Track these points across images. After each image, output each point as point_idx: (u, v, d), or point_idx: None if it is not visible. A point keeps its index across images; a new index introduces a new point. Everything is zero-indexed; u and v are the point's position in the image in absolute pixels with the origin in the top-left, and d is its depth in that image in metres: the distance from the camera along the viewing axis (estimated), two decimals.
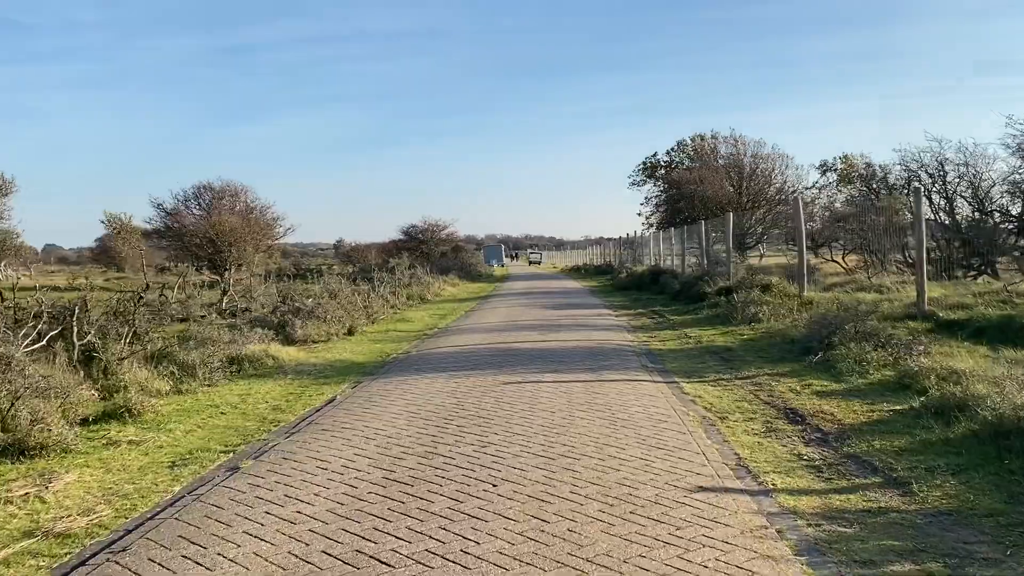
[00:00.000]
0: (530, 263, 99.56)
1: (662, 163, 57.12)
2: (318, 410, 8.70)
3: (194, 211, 49.97)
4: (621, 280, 33.42)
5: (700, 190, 45.23)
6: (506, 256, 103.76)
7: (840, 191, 44.27)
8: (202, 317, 22.77)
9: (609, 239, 62.05)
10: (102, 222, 79.14)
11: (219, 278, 28.87)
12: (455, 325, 18.24)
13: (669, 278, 26.64)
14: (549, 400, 8.66)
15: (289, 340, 15.56)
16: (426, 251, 60.44)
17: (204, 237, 29.30)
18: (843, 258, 27.91)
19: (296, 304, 17.68)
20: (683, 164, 55.15)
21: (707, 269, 24.91)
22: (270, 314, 17.50)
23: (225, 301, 24.79)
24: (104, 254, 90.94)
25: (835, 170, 49.09)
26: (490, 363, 11.54)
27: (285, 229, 55.52)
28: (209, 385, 10.54)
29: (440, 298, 29.26)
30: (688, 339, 14.07)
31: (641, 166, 57.19)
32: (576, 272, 55.84)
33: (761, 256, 40.66)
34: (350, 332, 16.71)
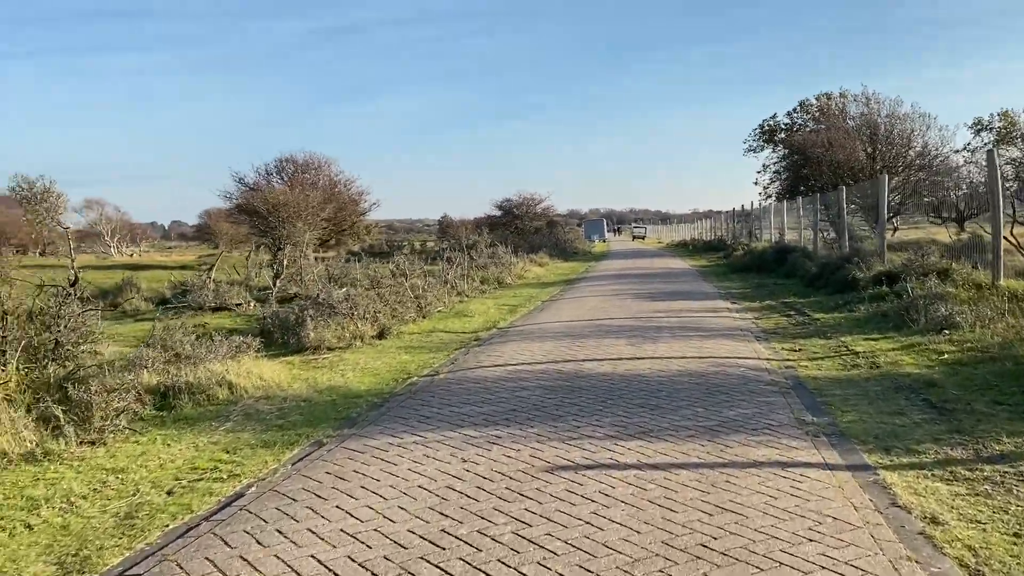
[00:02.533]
0: (634, 238, 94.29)
1: (782, 126, 50.93)
2: (182, 534, 4.61)
3: (276, 184, 47.55)
4: (737, 259, 28.33)
5: (828, 154, 39.31)
6: (608, 231, 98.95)
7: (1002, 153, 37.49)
8: (237, 305, 19.48)
9: (719, 212, 56.36)
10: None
11: (273, 257, 25.54)
12: (521, 324, 13.97)
13: (800, 258, 21.54)
14: (623, 529, 4.31)
15: (297, 346, 11.74)
16: (520, 227, 56.50)
17: (257, 211, 26.08)
18: (1011, 232, 22.22)
19: (322, 297, 13.82)
20: (807, 127, 48.92)
21: (849, 247, 19.77)
22: (307, 304, 13.73)
23: (277, 285, 21.48)
24: (206, 230, 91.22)
25: (991, 129, 41.98)
26: (540, 408, 7.23)
27: (370, 204, 52.62)
28: (93, 443, 6.68)
29: (522, 281, 25.05)
30: (854, 357, 9.34)
31: (758, 130, 51.13)
32: (683, 248, 50.56)
33: (895, 230, 34.87)
34: (381, 334, 12.72)
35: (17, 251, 64.85)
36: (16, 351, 8.43)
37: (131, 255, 72.99)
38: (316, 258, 42.35)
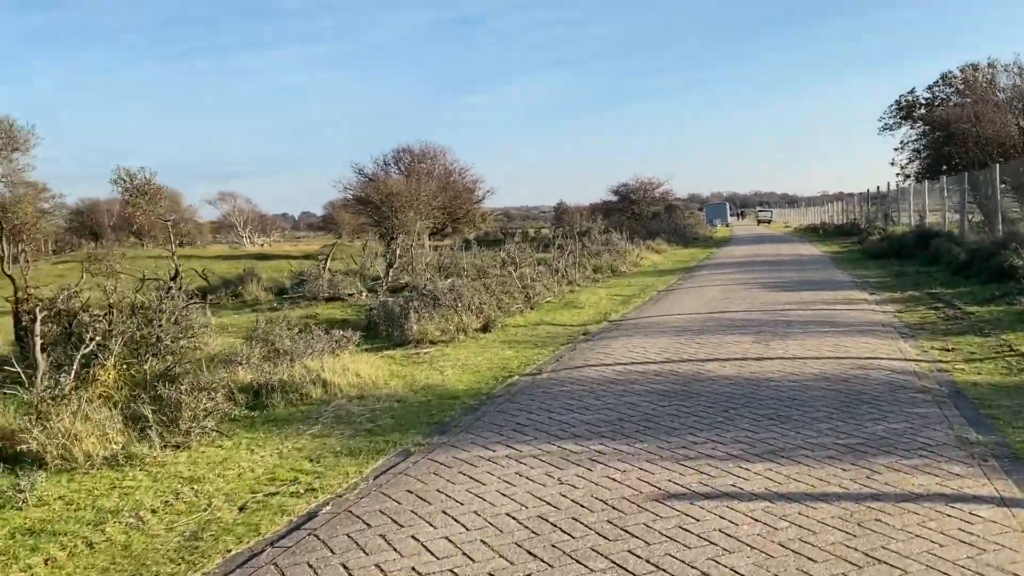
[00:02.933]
0: (759, 222, 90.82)
1: (922, 101, 47.36)
2: (242, 563, 4.12)
3: (393, 175, 48.16)
4: (872, 244, 26.31)
5: (976, 130, 36.15)
6: (731, 215, 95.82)
7: None
8: (349, 295, 19.44)
9: (851, 194, 53.18)
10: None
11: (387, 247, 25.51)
12: (634, 317, 13.11)
13: (945, 243, 19.62)
14: None
15: (400, 339, 11.35)
16: (637, 212, 55.18)
17: (370, 201, 26.14)
18: None
19: (427, 288, 13.42)
20: (949, 101, 45.29)
21: (1004, 232, 17.82)
22: (412, 296, 13.40)
23: (390, 275, 21.40)
24: (330, 221, 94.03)
25: None
26: (652, 418, 6.44)
27: (484, 192, 52.57)
28: (177, 446, 6.38)
29: (637, 269, 24.06)
30: (1021, 359, 8.06)
31: (895, 106, 47.72)
32: (812, 233, 47.95)
33: None
34: (485, 327, 12.17)
35: (138, 242, 68.39)
36: (117, 346, 8.32)
37: (261, 245, 75.95)
38: (431, 247, 42.65)
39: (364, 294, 19.49)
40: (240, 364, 8.31)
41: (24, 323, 9.14)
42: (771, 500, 4.48)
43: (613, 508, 4.45)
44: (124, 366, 8.37)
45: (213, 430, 6.69)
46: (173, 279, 9.71)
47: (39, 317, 7.56)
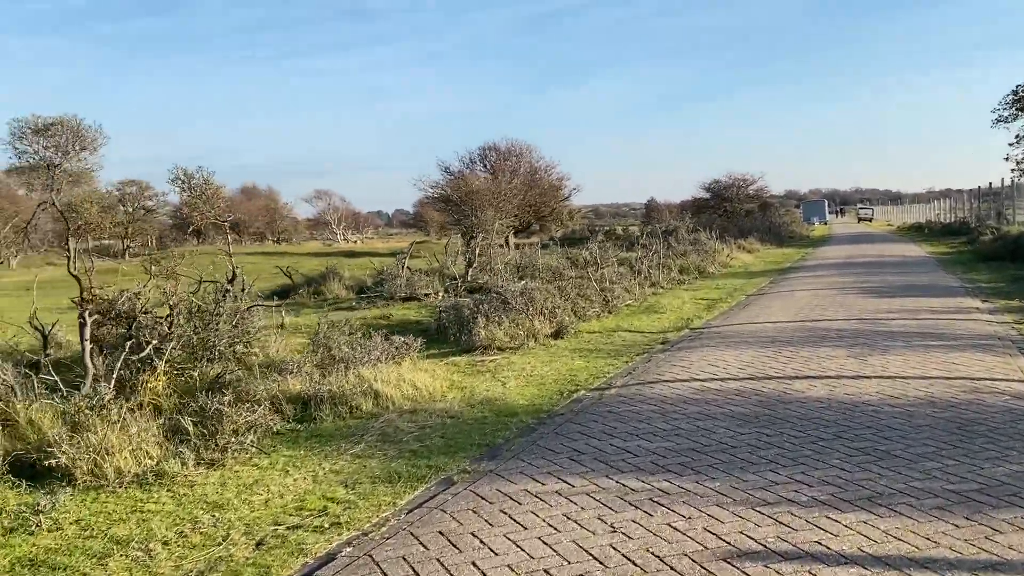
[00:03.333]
0: (859, 220, 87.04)
1: None
2: None
3: (479, 172, 48.00)
4: (985, 245, 24.41)
5: None
6: (829, 212, 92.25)
7: None
8: (425, 295, 19.11)
9: (960, 191, 50.09)
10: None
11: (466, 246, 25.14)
12: (718, 324, 12.23)
13: None
14: None
15: (468, 345, 10.84)
16: (729, 210, 53.47)
17: (451, 199, 25.84)
18: None
19: (498, 290, 12.89)
20: None
21: None
22: (482, 299, 12.90)
23: (469, 274, 21.02)
24: (419, 218, 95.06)
25: None
26: (727, 449, 5.69)
27: (571, 190, 51.87)
28: (212, 464, 5.99)
29: (726, 270, 22.95)
30: None
31: (1011, 96, 44.67)
32: (916, 232, 45.35)
33: None
34: (557, 333, 11.53)
35: (250, 238, 70.41)
36: (168, 351, 8.07)
37: (354, 242, 77.31)
38: (515, 244, 42.18)
39: (440, 294, 19.14)
40: (291, 372, 7.90)
41: (96, 321, 9.02)
42: (864, 565, 3.71)
43: (671, 568, 3.76)
44: (176, 372, 8.13)
45: (252, 446, 6.28)
46: (230, 281, 9.41)
47: (88, 322, 7.35)
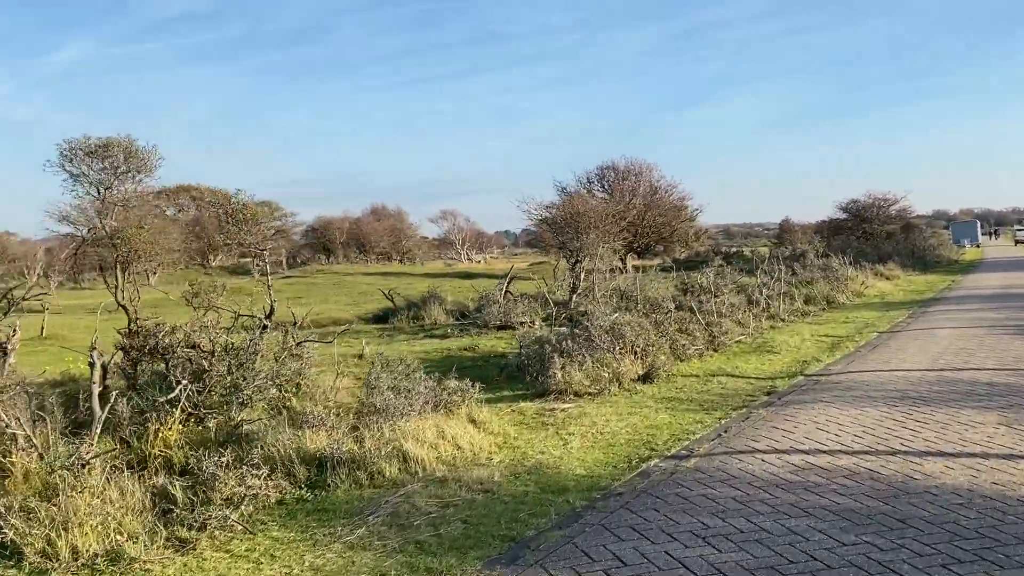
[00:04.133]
0: (1016, 242, 79.81)
1: None
2: None
3: (597, 193, 46.73)
4: None
5: None
6: (982, 234, 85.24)
7: None
8: (521, 324, 17.99)
9: None
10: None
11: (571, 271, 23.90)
12: (839, 370, 10.44)
13: None
14: None
15: (543, 387, 9.62)
16: (869, 231, 49.78)
17: (556, 223, 24.68)
18: None
19: (584, 325, 11.60)
20: None
21: None
22: (564, 335, 11.69)
23: (573, 301, 19.82)
24: (538, 239, 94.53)
25: None
26: (820, 568, 4.19)
27: (694, 210, 49.76)
28: (183, 544, 5.01)
29: (859, 300, 20.64)
30: None
31: None
32: None
33: None
34: (647, 376, 10.13)
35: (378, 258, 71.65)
36: (188, 393, 7.24)
37: (477, 262, 77.55)
38: (634, 267, 40.51)
39: (537, 323, 17.98)
40: (314, 426, 6.88)
41: (132, 356, 8.40)
42: None
43: None
44: (197, 419, 7.30)
45: (238, 523, 5.28)
46: (268, 316, 8.56)
47: (98, 364, 6.63)
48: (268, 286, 9.05)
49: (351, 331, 20.93)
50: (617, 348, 10.51)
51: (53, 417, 7.10)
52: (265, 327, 8.34)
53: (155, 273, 58.01)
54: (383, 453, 6.36)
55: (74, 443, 6.09)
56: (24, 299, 8.56)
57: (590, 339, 10.70)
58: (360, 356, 14.85)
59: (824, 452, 6.36)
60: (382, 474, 6.21)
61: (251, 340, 7.87)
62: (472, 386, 8.45)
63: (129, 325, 9.19)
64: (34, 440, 6.10)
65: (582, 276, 21.77)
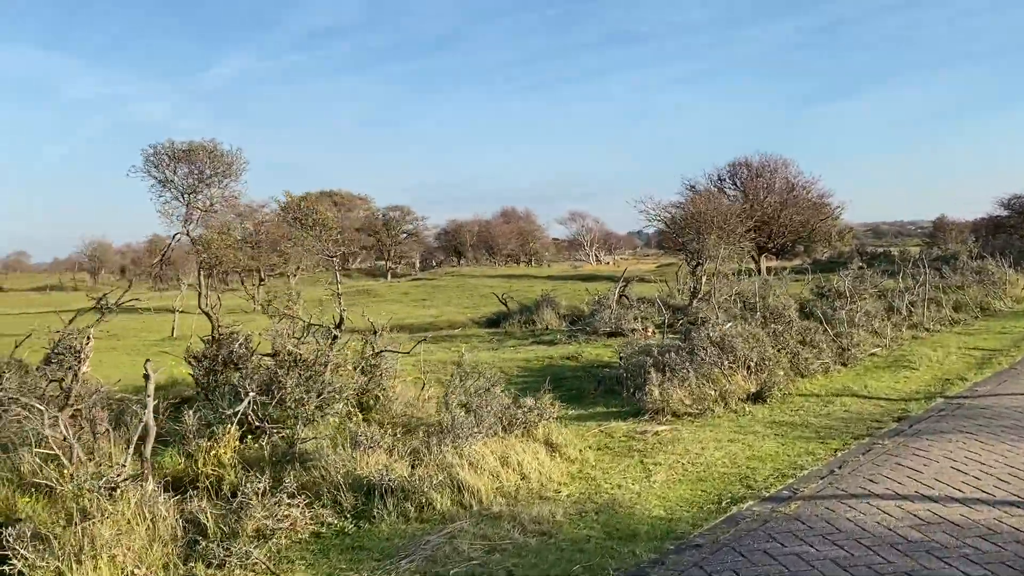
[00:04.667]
0: None
1: None
2: None
3: (728, 191, 44.75)
4: None
5: None
6: None
7: None
8: (632, 331, 17.05)
9: None
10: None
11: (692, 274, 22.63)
12: (986, 392, 8.97)
13: None
14: None
15: (638, 406, 8.79)
16: None
17: (675, 223, 23.45)
18: None
19: (693, 335, 10.64)
20: None
21: None
22: (667, 346, 10.83)
23: (693, 306, 18.72)
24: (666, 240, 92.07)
25: None
26: None
27: (836, 207, 46.77)
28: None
29: (1020, 307, 18.40)
30: None
31: None
32: None
33: None
34: (759, 394, 9.07)
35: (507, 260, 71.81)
36: (251, 405, 6.87)
37: (606, 263, 76.59)
38: (769, 269, 38.38)
39: (651, 330, 17.02)
40: (371, 448, 6.33)
41: (205, 366, 8.19)
42: None
43: None
44: (253, 437, 6.92)
45: (260, 561, 4.76)
46: (338, 326, 8.10)
47: (152, 375, 6.36)
48: (338, 294, 8.61)
49: (462, 335, 20.69)
50: (726, 362, 9.50)
51: (126, 428, 6.92)
52: (335, 337, 7.88)
53: (294, 275, 60.50)
54: (435, 482, 5.73)
55: (118, 462, 5.79)
56: (118, 304, 8.47)
57: (694, 352, 9.72)
58: (458, 364, 14.35)
59: (958, 501, 5.22)
60: (432, 506, 5.58)
61: (317, 351, 7.44)
62: (556, 403, 7.72)
63: (212, 332, 9.05)
64: (79, 455, 5.85)
65: (703, 280, 20.57)
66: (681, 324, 15.89)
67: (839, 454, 6.71)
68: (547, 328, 19.57)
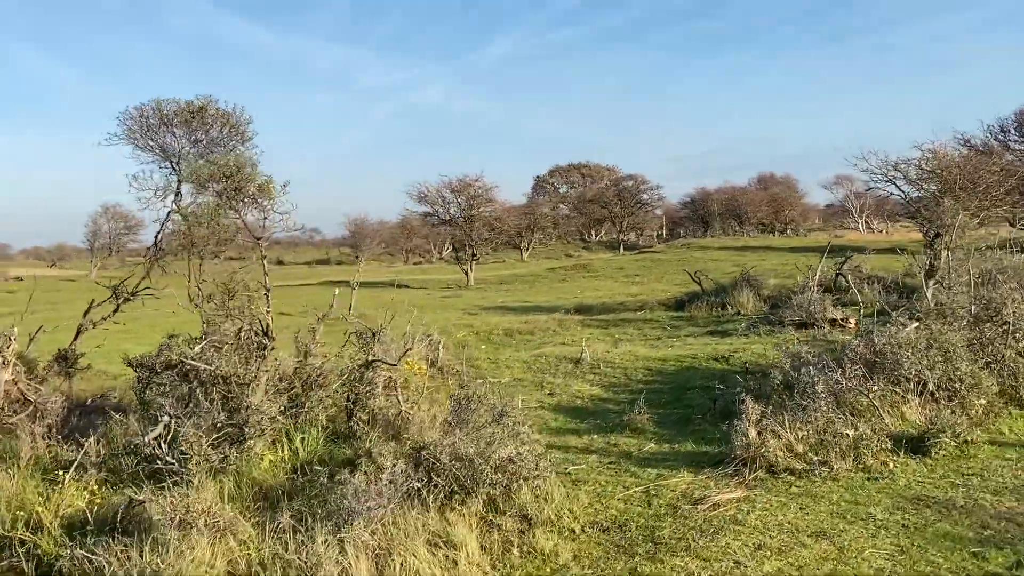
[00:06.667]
0: None
1: None
2: None
3: (1013, 144, 37.08)
4: None
5: None
6: None
7: None
8: (832, 322, 13.51)
9: None
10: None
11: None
12: None
13: None
14: None
15: (732, 450, 6.08)
16: None
17: (914, 183, 18.74)
18: None
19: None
20: None
21: None
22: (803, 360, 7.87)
23: (930, 288, 14.69)
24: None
25: None
26: None
27: None
28: None
29: None
30: None
31: None
32: None
33: None
34: (920, 441, 5.89)
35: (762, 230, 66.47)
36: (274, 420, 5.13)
37: (878, 232, 68.23)
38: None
39: (853, 321, 13.47)
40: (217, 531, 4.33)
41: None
42: None
43: None
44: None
45: None
46: (264, 334, 6.08)
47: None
48: (266, 288, 6.57)
49: (641, 318, 18.04)
50: (877, 386, 6.36)
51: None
52: (264, 347, 5.91)
53: (528, 249, 59.76)
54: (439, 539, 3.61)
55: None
56: (133, 294, 7.30)
57: (842, 367, 6.64)
58: (577, 362, 11.90)
59: None
60: None
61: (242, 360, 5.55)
62: (642, 429, 5.25)
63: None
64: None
65: (943, 256, 16.18)
66: (898, 314, 12.21)
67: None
68: (738, 313, 16.44)
